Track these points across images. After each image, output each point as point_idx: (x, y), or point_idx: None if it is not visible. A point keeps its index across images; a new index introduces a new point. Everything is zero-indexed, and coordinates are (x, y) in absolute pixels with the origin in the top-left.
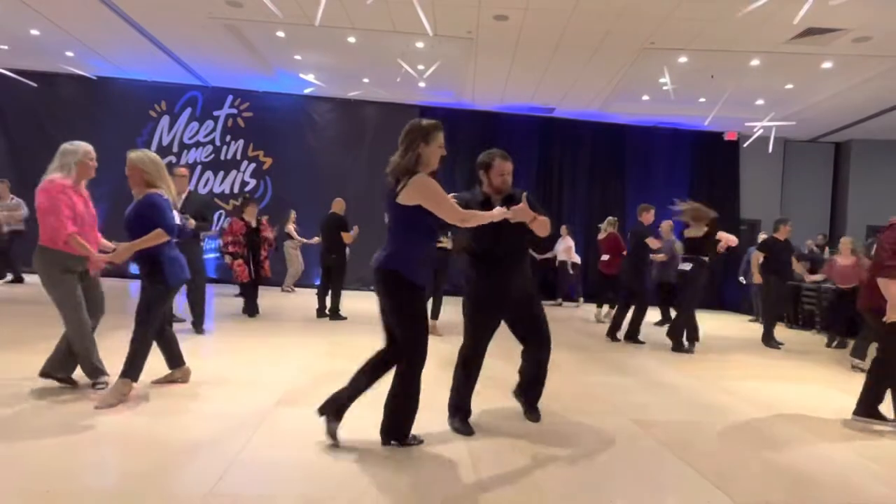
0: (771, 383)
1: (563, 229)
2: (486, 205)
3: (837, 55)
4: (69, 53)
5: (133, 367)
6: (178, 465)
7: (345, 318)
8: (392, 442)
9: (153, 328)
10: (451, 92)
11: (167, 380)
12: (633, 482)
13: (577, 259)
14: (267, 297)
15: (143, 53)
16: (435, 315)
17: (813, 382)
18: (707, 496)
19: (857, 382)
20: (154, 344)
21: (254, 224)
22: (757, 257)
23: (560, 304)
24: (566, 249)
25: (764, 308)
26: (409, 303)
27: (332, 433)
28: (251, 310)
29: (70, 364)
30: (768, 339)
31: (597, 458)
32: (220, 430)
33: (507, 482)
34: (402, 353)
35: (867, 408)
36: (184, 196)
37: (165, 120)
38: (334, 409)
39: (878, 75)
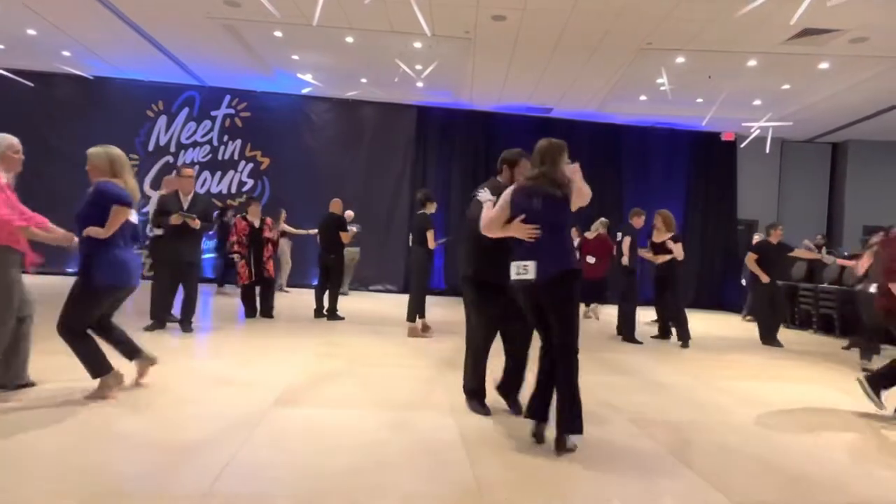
0: (767, 383)
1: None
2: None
3: (834, 56)
4: (66, 53)
5: (90, 367)
6: (174, 465)
7: (342, 318)
8: (571, 437)
9: (78, 328)
10: (448, 92)
11: (141, 374)
12: (630, 481)
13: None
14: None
15: (140, 53)
16: (422, 314)
17: (809, 382)
18: (704, 495)
19: (853, 381)
20: (106, 342)
21: (257, 224)
22: (751, 258)
23: None
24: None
25: (757, 309)
26: (577, 294)
27: (538, 434)
28: (251, 310)
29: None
30: (769, 339)
31: (594, 456)
32: (218, 431)
33: (505, 481)
34: (571, 346)
35: (875, 382)
36: (190, 197)
37: (163, 120)
38: (540, 412)
39: (875, 76)
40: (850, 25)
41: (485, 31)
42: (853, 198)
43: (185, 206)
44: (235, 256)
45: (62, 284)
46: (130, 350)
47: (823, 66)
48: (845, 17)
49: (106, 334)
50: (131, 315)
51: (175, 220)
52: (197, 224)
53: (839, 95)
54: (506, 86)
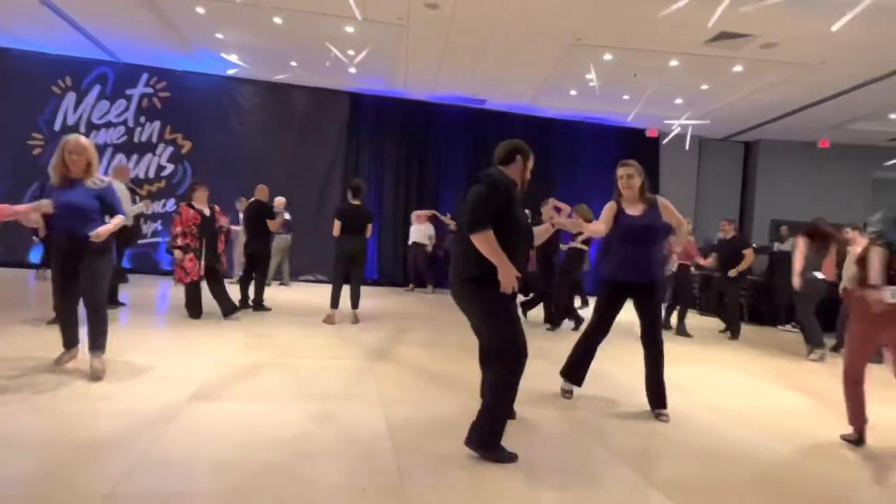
0: (682, 367)
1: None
2: (514, 188)
3: (747, 59)
4: None
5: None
6: (75, 465)
7: (269, 310)
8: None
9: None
10: (381, 79)
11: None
12: (552, 464)
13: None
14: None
15: (45, 24)
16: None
17: (719, 365)
18: (616, 471)
19: (758, 364)
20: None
21: (207, 212)
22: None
23: (412, 290)
24: (431, 235)
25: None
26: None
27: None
28: (196, 312)
29: None
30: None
31: (517, 441)
32: (128, 427)
33: (428, 470)
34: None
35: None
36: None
37: (71, 97)
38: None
39: (783, 80)
40: (761, 31)
41: (418, 18)
42: (763, 194)
43: None
44: (177, 252)
45: None
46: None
47: (738, 68)
48: (757, 23)
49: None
50: (33, 307)
51: None
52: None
53: (751, 97)
54: (440, 75)
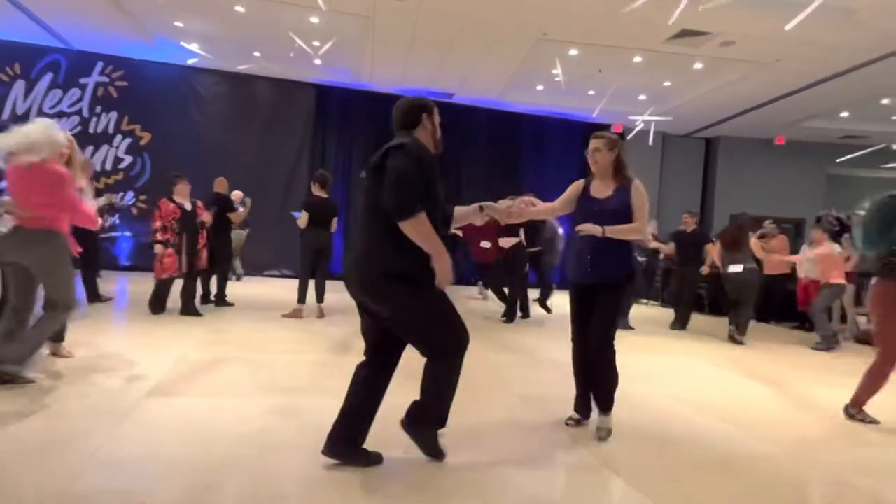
0: (643, 356)
1: None
2: (436, 160)
3: (707, 57)
4: None
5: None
6: (28, 462)
7: (232, 305)
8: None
9: None
10: (348, 72)
11: None
12: (516, 448)
13: None
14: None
15: None
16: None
17: (682, 355)
18: (581, 458)
19: (708, 351)
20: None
21: (188, 206)
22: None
23: None
24: None
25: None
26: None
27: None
28: (160, 307)
29: None
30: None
31: (480, 430)
32: (81, 425)
33: (393, 457)
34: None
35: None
36: None
37: (20, 85)
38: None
39: (741, 78)
40: (720, 29)
41: (384, 10)
42: (722, 189)
43: None
44: (157, 247)
45: None
46: None
47: (698, 66)
48: (716, 21)
49: None
50: None
51: None
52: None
53: (711, 94)
54: (407, 68)
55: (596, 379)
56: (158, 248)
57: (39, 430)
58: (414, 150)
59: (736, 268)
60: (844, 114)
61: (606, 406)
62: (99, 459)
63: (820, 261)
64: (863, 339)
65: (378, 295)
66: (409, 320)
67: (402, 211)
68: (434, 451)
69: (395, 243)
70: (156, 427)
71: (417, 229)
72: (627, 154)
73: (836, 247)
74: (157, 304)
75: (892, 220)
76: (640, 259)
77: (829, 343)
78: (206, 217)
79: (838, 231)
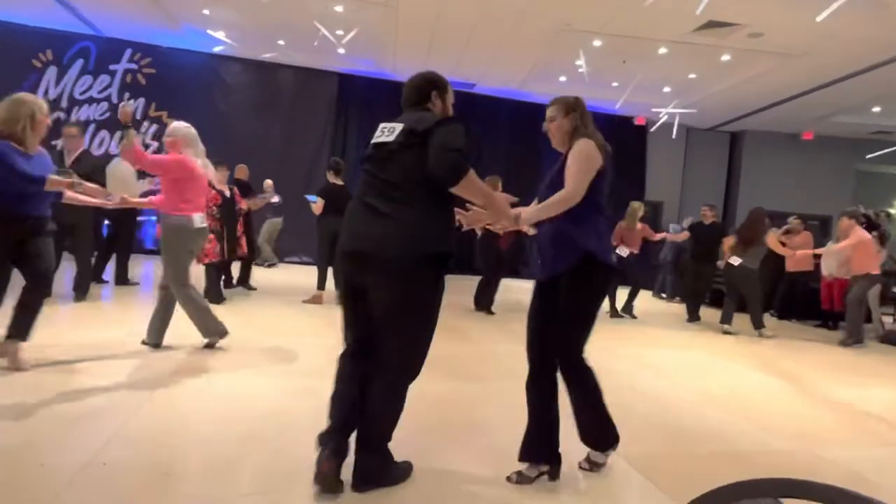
0: (658, 350)
1: None
2: None
3: (735, 48)
4: None
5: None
6: (56, 435)
7: (255, 289)
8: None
9: None
10: (371, 60)
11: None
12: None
13: None
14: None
15: None
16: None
17: (690, 349)
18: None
19: (727, 346)
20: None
21: (227, 193)
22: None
23: None
24: None
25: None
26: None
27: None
28: (216, 296)
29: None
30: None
31: (492, 420)
32: (109, 400)
33: (404, 441)
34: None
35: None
36: (75, 155)
37: (52, 71)
38: None
39: (769, 70)
40: (749, 21)
41: (407, 0)
42: (747, 184)
43: (68, 164)
44: None
45: None
46: None
47: (725, 57)
48: (744, 12)
49: None
50: None
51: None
52: (67, 185)
53: (738, 87)
54: (429, 58)
55: (572, 404)
56: None
57: (69, 404)
58: (457, 118)
59: (734, 260)
60: (876, 109)
61: (596, 441)
62: (125, 433)
63: (854, 249)
64: (887, 339)
65: (403, 276)
66: (393, 310)
67: (457, 171)
68: (400, 474)
69: (432, 219)
70: (180, 404)
71: (471, 182)
72: (589, 119)
73: (867, 234)
74: (213, 292)
75: None
76: (665, 256)
77: (856, 337)
78: (244, 204)
79: (866, 228)
